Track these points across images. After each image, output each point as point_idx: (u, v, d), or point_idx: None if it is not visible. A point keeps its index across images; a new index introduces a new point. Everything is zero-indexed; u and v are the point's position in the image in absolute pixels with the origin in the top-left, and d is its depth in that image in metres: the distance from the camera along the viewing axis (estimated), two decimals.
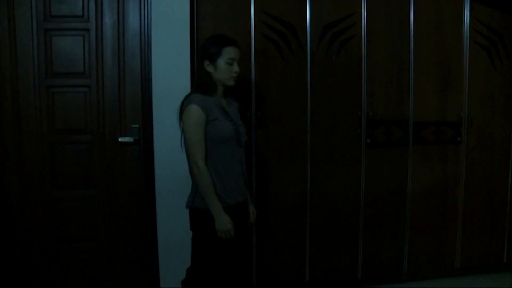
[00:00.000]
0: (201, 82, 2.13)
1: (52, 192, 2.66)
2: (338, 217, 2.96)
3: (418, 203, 3.07)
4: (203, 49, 2.14)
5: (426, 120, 3.02)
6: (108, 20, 2.61)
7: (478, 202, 3.16)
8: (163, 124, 2.57)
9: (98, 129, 2.66)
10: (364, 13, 2.84)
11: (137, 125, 2.67)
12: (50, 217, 2.67)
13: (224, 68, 2.09)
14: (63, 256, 2.70)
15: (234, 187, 2.14)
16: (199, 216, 2.11)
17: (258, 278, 2.88)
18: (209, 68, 2.11)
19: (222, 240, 2.08)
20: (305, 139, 2.85)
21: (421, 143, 3.02)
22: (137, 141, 2.67)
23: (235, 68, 2.12)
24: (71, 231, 2.70)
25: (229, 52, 2.09)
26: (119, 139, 2.66)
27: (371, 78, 2.89)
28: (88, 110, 2.65)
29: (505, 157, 3.17)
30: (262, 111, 2.78)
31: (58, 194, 2.67)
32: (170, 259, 2.65)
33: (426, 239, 3.12)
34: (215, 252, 2.12)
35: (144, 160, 2.68)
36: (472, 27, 3.01)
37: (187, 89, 2.54)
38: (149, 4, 2.58)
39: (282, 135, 2.83)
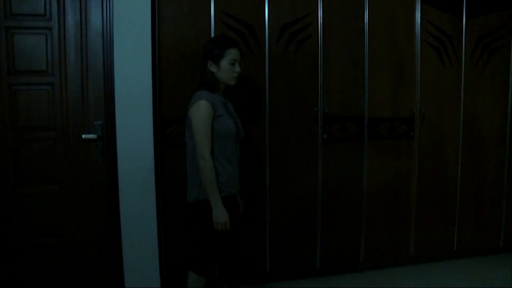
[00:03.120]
0: (205, 80, 2.24)
1: (16, 188, 2.68)
2: (297, 210, 3.07)
3: (373, 196, 3.21)
4: (206, 51, 2.25)
5: (380, 116, 3.16)
6: (71, 19, 2.66)
7: (430, 194, 3.33)
8: (125, 121, 2.64)
9: (61, 126, 2.69)
10: (320, 14, 2.96)
11: (100, 122, 2.72)
12: (13, 213, 2.69)
13: (227, 68, 2.22)
14: (26, 251, 2.73)
15: (234, 178, 2.26)
16: (208, 206, 2.17)
17: (220, 269, 2.95)
18: (213, 68, 2.23)
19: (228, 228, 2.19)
20: (263, 135, 2.95)
21: (376, 138, 3.16)
22: (100, 138, 2.72)
23: (237, 68, 2.24)
24: (35, 227, 2.72)
25: (232, 54, 2.22)
26: (83, 136, 2.71)
27: (327, 76, 3.01)
28: (51, 107, 2.68)
29: (454, 150, 3.34)
30: None
31: (22, 190, 2.69)
32: (134, 253, 2.73)
33: (382, 229, 3.26)
34: (224, 239, 2.23)
35: (107, 156, 2.73)
36: (423, 28, 3.17)
37: (149, 87, 2.64)
38: (111, 4, 2.63)
39: None
